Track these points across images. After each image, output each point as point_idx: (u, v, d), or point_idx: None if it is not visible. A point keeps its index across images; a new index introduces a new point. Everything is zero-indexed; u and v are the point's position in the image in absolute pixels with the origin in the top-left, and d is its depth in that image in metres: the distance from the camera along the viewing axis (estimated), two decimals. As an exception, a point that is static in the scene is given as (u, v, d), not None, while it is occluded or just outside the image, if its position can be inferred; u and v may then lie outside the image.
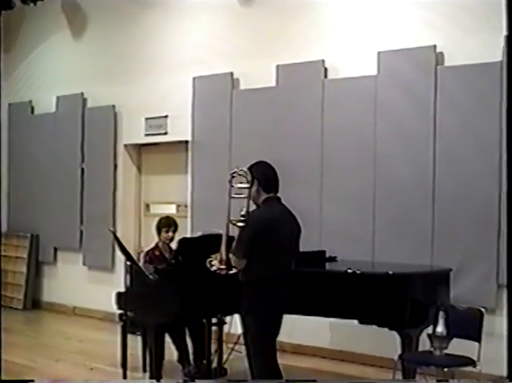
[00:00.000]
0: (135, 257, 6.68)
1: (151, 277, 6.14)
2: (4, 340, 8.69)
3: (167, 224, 7.16)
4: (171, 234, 7.13)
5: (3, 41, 11.65)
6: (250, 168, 5.34)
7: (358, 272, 5.94)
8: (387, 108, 7.40)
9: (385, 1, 7.53)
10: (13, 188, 11.72)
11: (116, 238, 6.69)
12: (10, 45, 11.71)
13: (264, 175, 5.32)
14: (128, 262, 6.35)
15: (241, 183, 5.32)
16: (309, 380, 6.35)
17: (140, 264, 6.73)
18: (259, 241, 5.11)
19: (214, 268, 5.31)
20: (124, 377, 6.41)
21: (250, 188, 5.27)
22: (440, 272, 6.37)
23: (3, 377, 6.74)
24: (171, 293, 6.03)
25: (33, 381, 6.09)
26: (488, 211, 6.73)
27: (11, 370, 7.21)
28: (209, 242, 5.98)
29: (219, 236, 5.45)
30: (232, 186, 5.35)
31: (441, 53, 7.07)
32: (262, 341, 5.24)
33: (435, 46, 7.05)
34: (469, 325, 5.55)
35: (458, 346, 5.49)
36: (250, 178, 5.25)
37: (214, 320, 6.70)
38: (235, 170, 5.35)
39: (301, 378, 6.51)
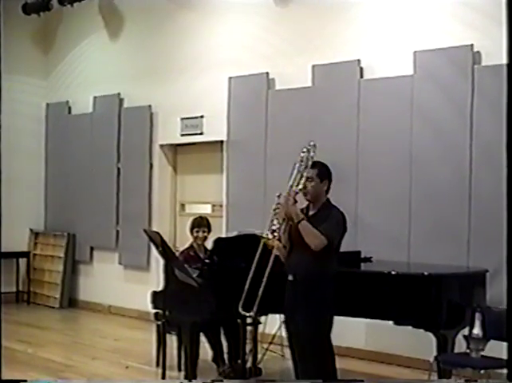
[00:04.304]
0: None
1: (196, 281, 6.09)
2: (41, 338, 8.88)
3: (198, 224, 7.18)
4: (201, 234, 7.14)
5: (42, 42, 11.82)
6: (322, 165, 5.48)
7: (393, 273, 5.91)
8: (424, 107, 7.35)
9: (421, 0, 7.49)
10: (51, 188, 11.84)
11: (161, 239, 6.50)
12: (48, 46, 11.86)
13: (331, 179, 5.53)
14: (173, 263, 6.29)
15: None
16: None
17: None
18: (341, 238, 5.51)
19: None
20: (163, 376, 6.45)
21: (315, 182, 5.41)
22: (476, 273, 6.31)
23: (43, 375, 6.85)
24: (206, 292, 6.04)
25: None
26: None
27: (49, 368, 7.31)
28: (244, 242, 6.00)
29: (254, 236, 5.43)
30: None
31: (478, 53, 7.00)
32: (325, 340, 5.35)
33: (472, 45, 6.98)
34: (505, 326, 5.48)
35: (495, 348, 5.44)
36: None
37: (248, 320, 6.71)
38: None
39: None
